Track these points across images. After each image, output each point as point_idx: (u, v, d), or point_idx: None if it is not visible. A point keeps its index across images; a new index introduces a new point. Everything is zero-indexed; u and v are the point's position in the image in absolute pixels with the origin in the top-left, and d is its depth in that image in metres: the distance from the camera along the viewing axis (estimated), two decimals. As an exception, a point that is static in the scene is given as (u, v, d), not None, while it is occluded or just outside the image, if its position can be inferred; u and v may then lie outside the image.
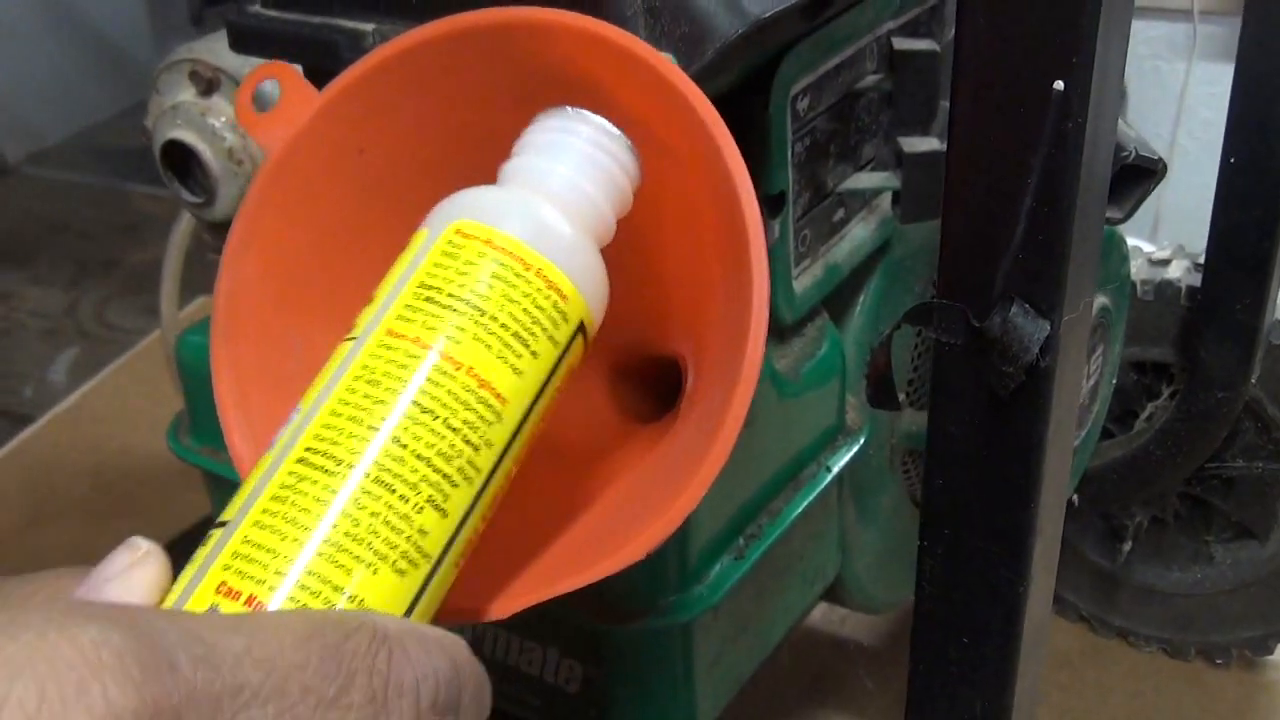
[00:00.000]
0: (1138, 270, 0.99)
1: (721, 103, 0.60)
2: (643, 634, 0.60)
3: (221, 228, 0.72)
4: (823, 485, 0.66)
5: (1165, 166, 0.70)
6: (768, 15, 0.50)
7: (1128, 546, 1.05)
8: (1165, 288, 0.97)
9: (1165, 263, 1.00)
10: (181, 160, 0.69)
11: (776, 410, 0.63)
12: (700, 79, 0.50)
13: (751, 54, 0.54)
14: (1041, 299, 0.47)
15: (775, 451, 0.64)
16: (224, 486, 0.73)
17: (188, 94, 0.69)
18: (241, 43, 0.57)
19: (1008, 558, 0.52)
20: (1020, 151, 0.45)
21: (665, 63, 0.42)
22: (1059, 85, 0.44)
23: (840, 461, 0.68)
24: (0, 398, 3.05)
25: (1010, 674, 0.55)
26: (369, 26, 0.53)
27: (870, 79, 0.67)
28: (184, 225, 1.11)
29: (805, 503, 0.65)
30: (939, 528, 0.54)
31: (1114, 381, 0.92)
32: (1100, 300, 0.82)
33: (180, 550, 1.04)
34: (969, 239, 0.48)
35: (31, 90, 3.17)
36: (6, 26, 3.50)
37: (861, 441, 0.69)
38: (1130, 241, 1.06)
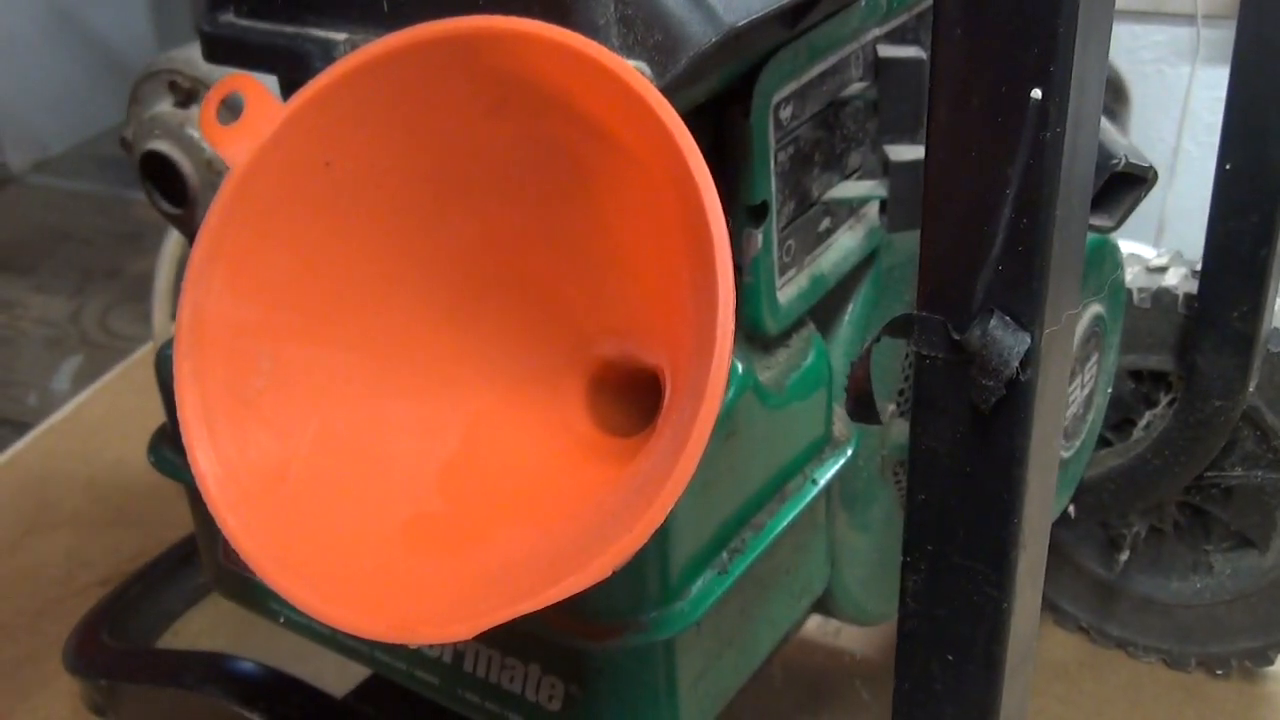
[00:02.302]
0: (1134, 278, 0.98)
1: (702, 112, 0.60)
2: (624, 651, 0.59)
3: (202, 239, 0.71)
4: (809, 498, 0.65)
5: (1156, 174, 0.69)
6: (742, 24, 0.49)
7: (1125, 556, 1.04)
8: (1162, 295, 0.96)
9: (1162, 270, 0.99)
10: (161, 171, 0.69)
11: (760, 422, 0.62)
12: (674, 88, 0.49)
13: (728, 63, 0.53)
14: (1022, 311, 0.46)
15: (759, 464, 0.63)
16: (204, 501, 0.72)
17: (166, 104, 0.68)
18: (214, 53, 0.57)
19: (991, 574, 0.51)
20: (998, 161, 0.44)
21: (630, 71, 0.41)
22: (1036, 94, 0.43)
23: (827, 474, 0.67)
24: (4, 406, 3.05)
25: (995, 692, 0.54)
26: (341, 36, 0.53)
27: (856, 87, 0.66)
28: (176, 235, 1.10)
29: (790, 516, 0.64)
30: (922, 544, 0.53)
31: (1110, 390, 0.91)
32: (1094, 308, 0.81)
33: (170, 560, 1.01)
34: (948, 250, 0.47)
35: (35, 99, 3.18)
36: (10, 36, 3.51)
37: (849, 453, 0.68)
38: (1133, 247, 1.05)
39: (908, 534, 0.53)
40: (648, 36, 0.48)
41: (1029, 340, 0.46)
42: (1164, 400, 1.01)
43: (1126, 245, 1.10)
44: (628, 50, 0.49)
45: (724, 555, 0.61)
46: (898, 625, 0.56)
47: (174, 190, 0.69)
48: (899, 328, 0.49)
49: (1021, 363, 0.46)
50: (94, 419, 1.46)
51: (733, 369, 0.61)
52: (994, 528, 0.50)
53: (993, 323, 0.46)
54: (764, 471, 0.64)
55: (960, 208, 0.46)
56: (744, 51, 0.54)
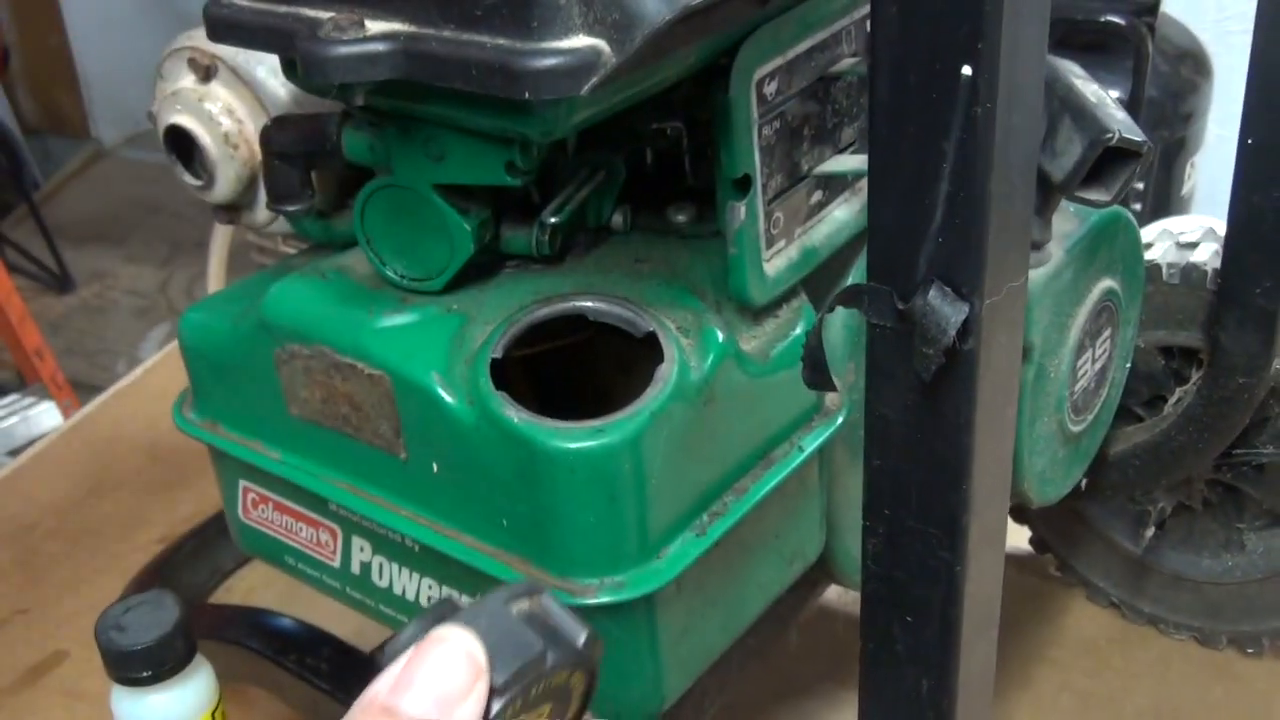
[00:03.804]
0: (1164, 253, 0.98)
1: (689, 85, 0.62)
2: (602, 607, 0.61)
3: (221, 209, 0.74)
4: (794, 465, 0.67)
5: (1151, 149, 0.69)
6: (698, 2, 0.50)
7: (1150, 532, 1.04)
8: (1191, 271, 0.95)
9: (1192, 246, 0.98)
10: (183, 144, 0.72)
11: (742, 390, 0.64)
12: (634, 65, 0.51)
13: (695, 39, 0.55)
14: (962, 282, 0.47)
15: (741, 430, 0.65)
16: (225, 460, 0.76)
17: (188, 81, 0.72)
18: (217, 32, 0.60)
19: (945, 539, 0.53)
20: (935, 136, 0.46)
21: None
22: (966, 70, 0.44)
23: (815, 441, 0.68)
24: (93, 372, 3.15)
25: (954, 654, 0.55)
26: (327, 14, 0.55)
27: (848, 61, 0.67)
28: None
29: (774, 482, 0.66)
30: (879, 508, 0.54)
31: (1128, 365, 0.91)
32: (1105, 283, 0.82)
33: (223, 520, 1.03)
34: (892, 222, 0.48)
35: (127, 75, 3.28)
36: (104, 13, 3.61)
37: (839, 421, 0.70)
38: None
39: (866, 498, 0.55)
40: (606, 15, 0.50)
41: (967, 310, 0.47)
42: (1195, 377, 1.00)
43: (1167, 221, 1.10)
44: (589, 28, 0.51)
45: (704, 518, 0.63)
46: (861, 586, 0.57)
47: (195, 163, 0.72)
48: (850, 297, 0.51)
49: (962, 332, 0.47)
50: (159, 385, 1.51)
51: (713, 337, 0.63)
52: (945, 493, 0.52)
53: (932, 293, 0.47)
54: (747, 438, 0.66)
55: (902, 181, 0.47)
56: (712, 28, 0.55)
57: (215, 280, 1.26)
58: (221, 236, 1.21)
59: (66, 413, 2.50)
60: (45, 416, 2.73)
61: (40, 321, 3.00)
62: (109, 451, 1.39)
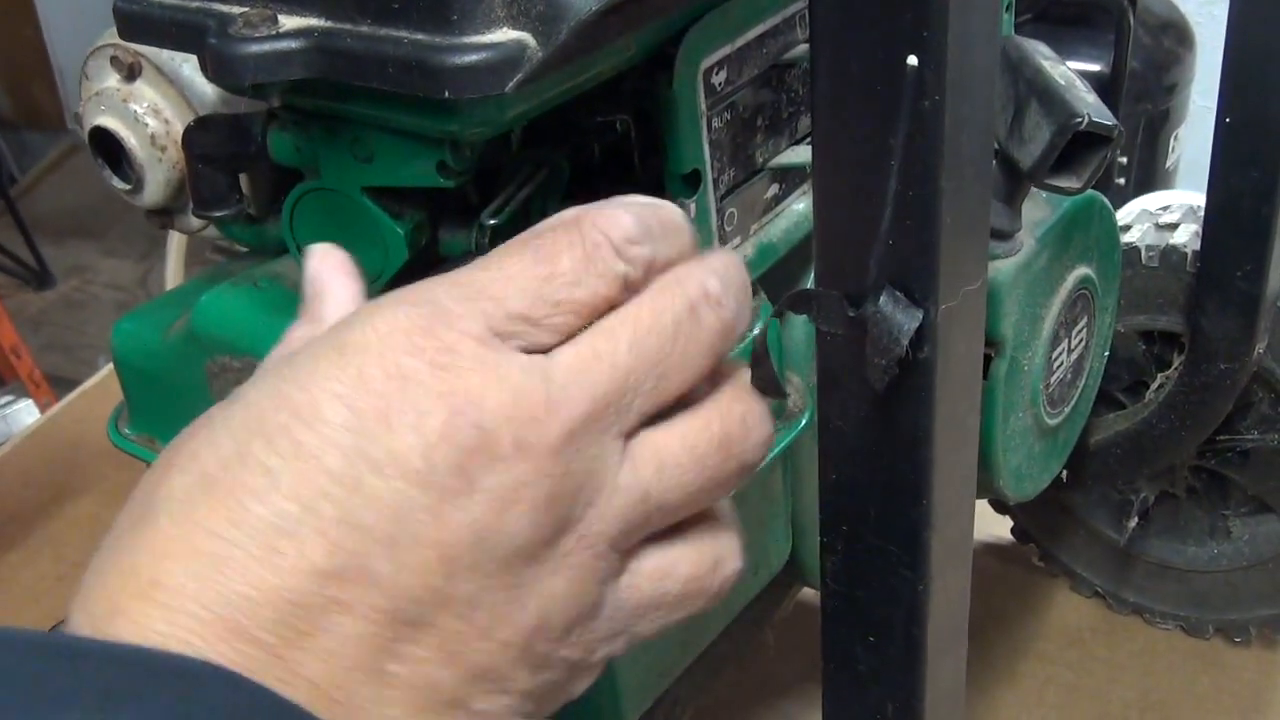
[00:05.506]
0: (1143, 235, 0.95)
1: (632, 77, 0.59)
2: (552, 629, 0.58)
3: (153, 213, 0.71)
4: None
5: (1121, 133, 0.66)
6: (627, -9, 0.47)
7: (1134, 522, 1.01)
8: (1170, 254, 0.93)
9: (1172, 227, 0.95)
10: (110, 147, 0.69)
11: (696, 397, 0.61)
12: (562, 59, 0.48)
13: (628, 30, 0.51)
14: (914, 287, 0.44)
15: (696, 439, 0.62)
16: (164, 475, 0.73)
17: (112, 80, 0.68)
18: (129, 30, 0.56)
19: (905, 557, 0.50)
20: (881, 131, 0.42)
21: None
22: (912, 61, 0.41)
23: (777, 446, 0.65)
24: (74, 367, 3.12)
25: (919, 674, 0.53)
26: (239, 10, 0.52)
27: (802, 48, 0.64)
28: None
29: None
30: (837, 524, 0.51)
31: (1106, 354, 0.88)
32: (1079, 271, 0.79)
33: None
34: (840, 222, 0.45)
35: (100, 66, 3.21)
36: (78, 5, 3.56)
37: (802, 424, 0.67)
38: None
39: (823, 514, 0.52)
40: (531, 6, 0.47)
41: (921, 317, 0.44)
42: (1177, 362, 0.97)
43: (1145, 199, 1.07)
44: (513, 20, 0.47)
45: (659, 531, 0.60)
46: (821, 605, 0.54)
47: (123, 166, 0.69)
48: (799, 302, 0.48)
49: (916, 341, 0.44)
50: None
51: (663, 343, 0.60)
52: (904, 509, 0.49)
53: (883, 299, 0.44)
54: (702, 446, 0.62)
55: (848, 179, 0.44)
56: (648, 17, 0.52)
57: (174, 280, 1.23)
58: (176, 246, 1.18)
59: (45, 410, 2.47)
60: (23, 414, 2.70)
61: (19, 317, 2.96)
62: (72, 457, 1.36)
